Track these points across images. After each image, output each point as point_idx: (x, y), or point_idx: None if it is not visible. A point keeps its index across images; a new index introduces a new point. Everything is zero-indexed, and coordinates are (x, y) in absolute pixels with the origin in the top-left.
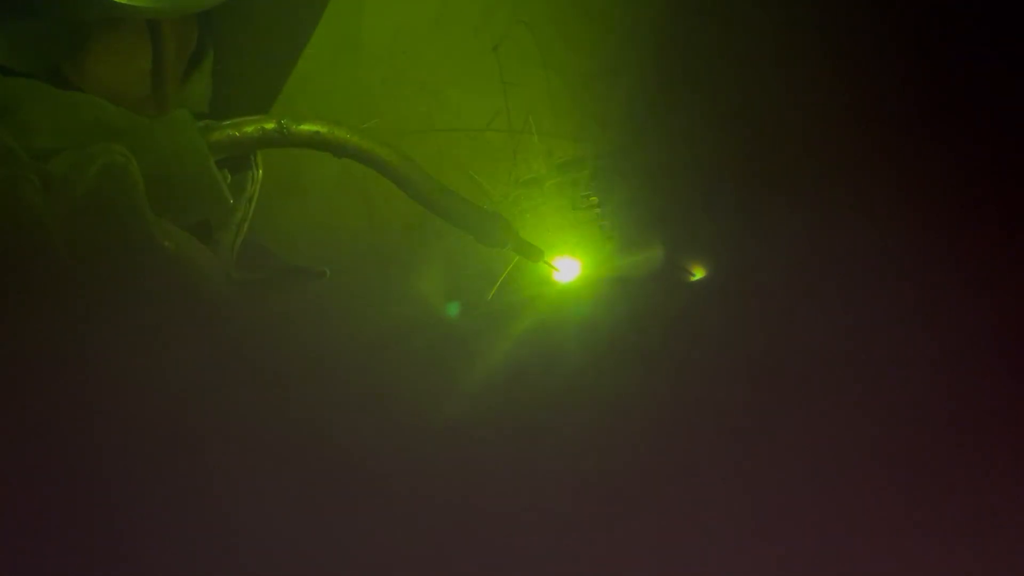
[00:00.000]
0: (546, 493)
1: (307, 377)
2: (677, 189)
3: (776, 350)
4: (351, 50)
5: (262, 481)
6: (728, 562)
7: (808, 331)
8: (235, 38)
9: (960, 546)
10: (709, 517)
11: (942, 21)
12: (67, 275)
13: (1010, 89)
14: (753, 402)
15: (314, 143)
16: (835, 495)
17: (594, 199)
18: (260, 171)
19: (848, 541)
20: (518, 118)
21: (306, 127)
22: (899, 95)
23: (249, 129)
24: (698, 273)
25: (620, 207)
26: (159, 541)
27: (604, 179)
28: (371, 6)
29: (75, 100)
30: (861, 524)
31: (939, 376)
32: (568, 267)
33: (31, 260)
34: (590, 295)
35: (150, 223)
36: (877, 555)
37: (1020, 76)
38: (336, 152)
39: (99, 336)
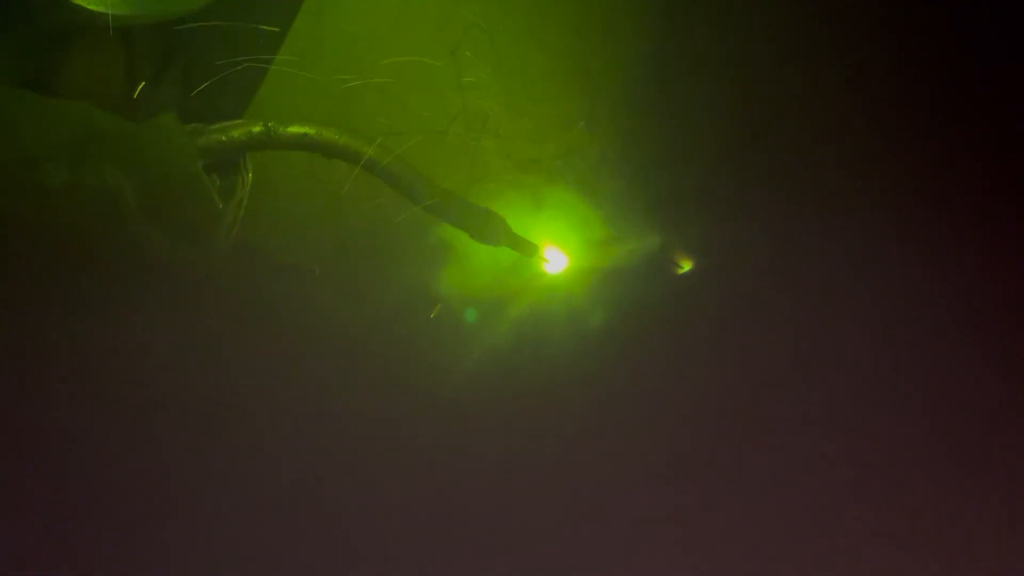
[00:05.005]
0: (535, 479)
1: (302, 365)
2: (644, 184)
3: (764, 341)
4: (313, 58)
5: (265, 468)
6: (719, 543)
7: (797, 322)
8: (205, 49)
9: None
10: (697, 502)
11: (941, 13)
12: (63, 283)
13: (1004, 82)
14: (741, 392)
15: (302, 145)
16: (824, 485)
17: (554, 196)
18: (250, 175)
19: (842, 527)
20: (477, 120)
21: (293, 129)
22: (894, 86)
23: (236, 133)
24: (685, 265)
25: (585, 204)
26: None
27: (564, 178)
28: (330, 14)
29: (62, 107)
30: (850, 511)
31: (931, 367)
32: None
33: (26, 265)
34: (576, 288)
35: (141, 237)
36: (870, 545)
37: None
38: (326, 153)
39: (102, 340)
